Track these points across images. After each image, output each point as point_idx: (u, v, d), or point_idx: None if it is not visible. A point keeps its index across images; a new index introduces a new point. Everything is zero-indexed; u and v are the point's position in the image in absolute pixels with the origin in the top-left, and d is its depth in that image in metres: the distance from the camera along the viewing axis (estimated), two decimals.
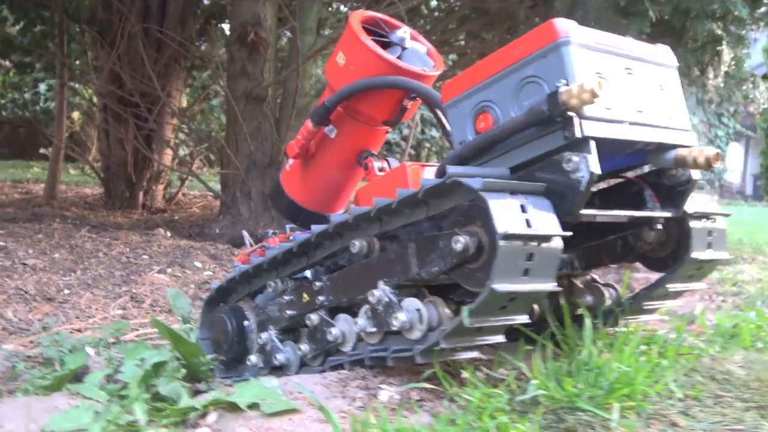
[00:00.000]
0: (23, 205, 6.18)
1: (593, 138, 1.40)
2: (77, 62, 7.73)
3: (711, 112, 18.19)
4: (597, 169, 1.38)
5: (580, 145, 1.39)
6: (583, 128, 1.39)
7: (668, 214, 1.67)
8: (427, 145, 13.73)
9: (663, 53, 1.65)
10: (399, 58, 2.03)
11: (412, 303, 1.54)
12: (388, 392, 1.40)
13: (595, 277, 2.00)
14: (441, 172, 1.63)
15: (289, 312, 1.89)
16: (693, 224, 1.74)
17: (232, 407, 1.27)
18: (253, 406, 1.27)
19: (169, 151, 6.86)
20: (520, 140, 1.47)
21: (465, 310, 1.36)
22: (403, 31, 2.08)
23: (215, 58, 6.51)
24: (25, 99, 11.17)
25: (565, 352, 1.59)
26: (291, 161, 2.24)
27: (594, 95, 1.34)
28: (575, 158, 1.38)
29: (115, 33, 6.13)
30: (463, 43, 6.71)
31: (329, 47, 5.78)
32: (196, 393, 1.51)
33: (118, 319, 2.78)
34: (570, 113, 1.38)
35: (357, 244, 1.65)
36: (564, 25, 1.42)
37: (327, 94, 2.12)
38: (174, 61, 6.55)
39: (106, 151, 6.72)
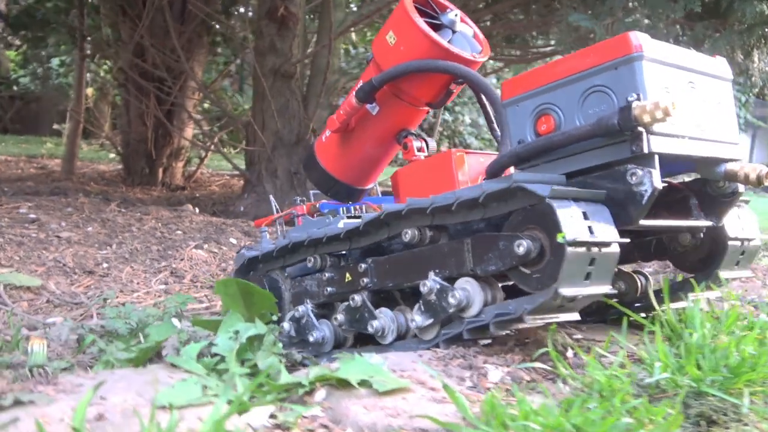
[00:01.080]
0: (42, 180, 6.09)
1: (657, 153, 1.41)
2: (90, 38, 7.58)
3: None
4: (660, 184, 1.40)
5: (645, 159, 1.41)
6: (650, 144, 1.40)
7: (710, 224, 1.69)
8: (439, 129, 13.60)
9: (720, 66, 1.65)
10: (449, 41, 1.99)
11: (466, 282, 1.53)
12: (498, 372, 1.32)
13: (622, 267, 1.98)
14: (496, 169, 1.64)
15: (329, 289, 1.88)
16: (731, 242, 1.75)
17: (341, 384, 1.19)
18: (363, 383, 1.19)
19: (190, 128, 6.76)
20: (583, 147, 1.48)
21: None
22: (454, 14, 2.04)
23: (240, 33, 6.40)
24: (44, 73, 11.04)
25: (673, 336, 1.50)
26: (328, 133, 2.20)
27: (667, 114, 1.35)
28: (640, 172, 1.40)
29: (139, 5, 6.02)
30: (488, 24, 6.59)
31: (360, 24, 5.69)
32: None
33: (161, 294, 2.70)
34: (640, 128, 1.38)
35: (409, 233, 1.62)
36: (638, 39, 1.43)
37: (373, 70, 2.07)
38: (197, 35, 6.45)
39: (126, 127, 6.63)
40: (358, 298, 1.77)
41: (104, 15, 7.03)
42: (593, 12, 4.15)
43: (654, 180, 1.38)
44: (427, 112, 2.24)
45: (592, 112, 1.46)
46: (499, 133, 1.99)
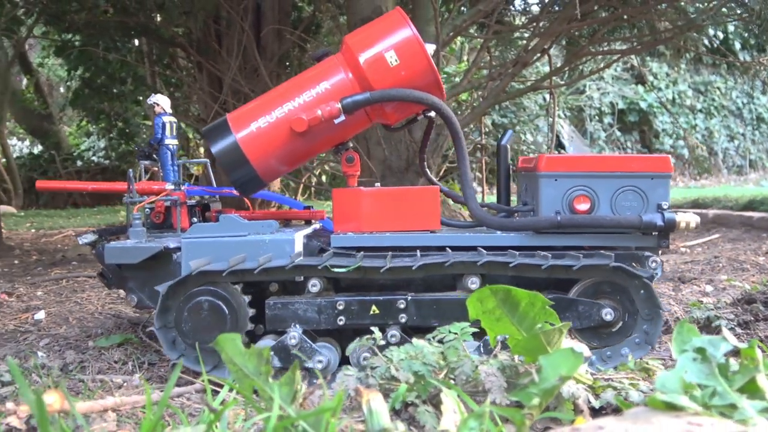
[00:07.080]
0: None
1: None
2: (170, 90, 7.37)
3: None
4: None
5: (658, 250, 1.96)
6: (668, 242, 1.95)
7: None
8: None
9: None
10: None
11: None
12: None
13: None
14: (523, 227, 1.98)
15: (342, 318, 1.86)
16: None
17: None
18: None
19: None
20: (616, 229, 1.96)
21: None
22: (432, 47, 2.02)
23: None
24: (110, 143, 10.94)
25: None
26: (262, 121, 1.98)
27: (697, 227, 1.90)
28: (658, 260, 1.92)
29: (215, 52, 5.79)
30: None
31: (466, 25, 5.33)
32: None
33: None
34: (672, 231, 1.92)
35: (473, 281, 1.86)
36: (672, 164, 1.95)
37: (354, 81, 1.96)
38: (276, 74, 6.19)
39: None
40: (394, 332, 1.81)
41: (176, 67, 6.82)
42: None
43: (662, 267, 1.93)
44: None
45: (624, 204, 1.95)
46: (429, 171, 2.34)
